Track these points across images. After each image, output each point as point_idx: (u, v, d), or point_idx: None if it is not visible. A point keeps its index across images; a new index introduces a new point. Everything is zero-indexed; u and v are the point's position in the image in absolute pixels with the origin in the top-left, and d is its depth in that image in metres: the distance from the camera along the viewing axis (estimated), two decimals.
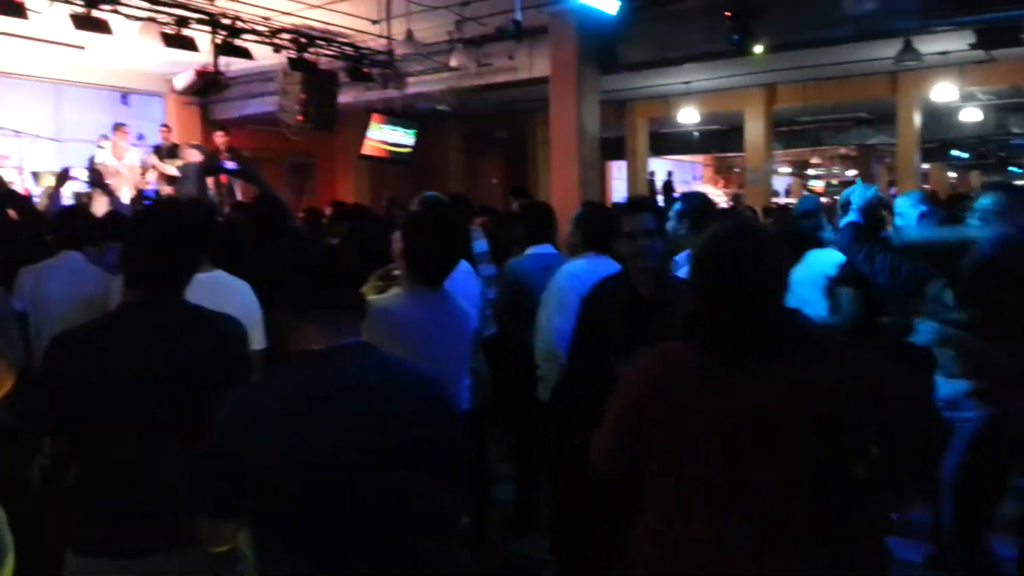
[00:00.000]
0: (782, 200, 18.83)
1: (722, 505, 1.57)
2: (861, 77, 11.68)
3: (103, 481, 1.83)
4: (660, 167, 18.34)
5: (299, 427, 1.47)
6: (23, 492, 2.19)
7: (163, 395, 1.83)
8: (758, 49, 7.60)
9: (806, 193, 18.08)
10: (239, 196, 9.08)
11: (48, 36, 8.70)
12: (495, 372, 3.69)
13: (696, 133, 16.31)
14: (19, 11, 6.55)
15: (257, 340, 2.72)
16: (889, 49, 8.92)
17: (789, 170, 21.46)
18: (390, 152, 11.26)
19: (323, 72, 9.68)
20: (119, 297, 2.40)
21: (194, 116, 12.53)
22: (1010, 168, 20.28)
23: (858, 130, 16.04)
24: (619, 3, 7.24)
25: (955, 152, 18.15)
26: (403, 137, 11.35)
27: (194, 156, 10.07)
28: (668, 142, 16.59)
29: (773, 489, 1.54)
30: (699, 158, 20.85)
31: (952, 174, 20.84)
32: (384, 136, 11.06)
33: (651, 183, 16.53)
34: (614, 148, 14.69)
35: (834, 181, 20.54)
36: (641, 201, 2.69)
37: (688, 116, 13.32)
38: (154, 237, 1.97)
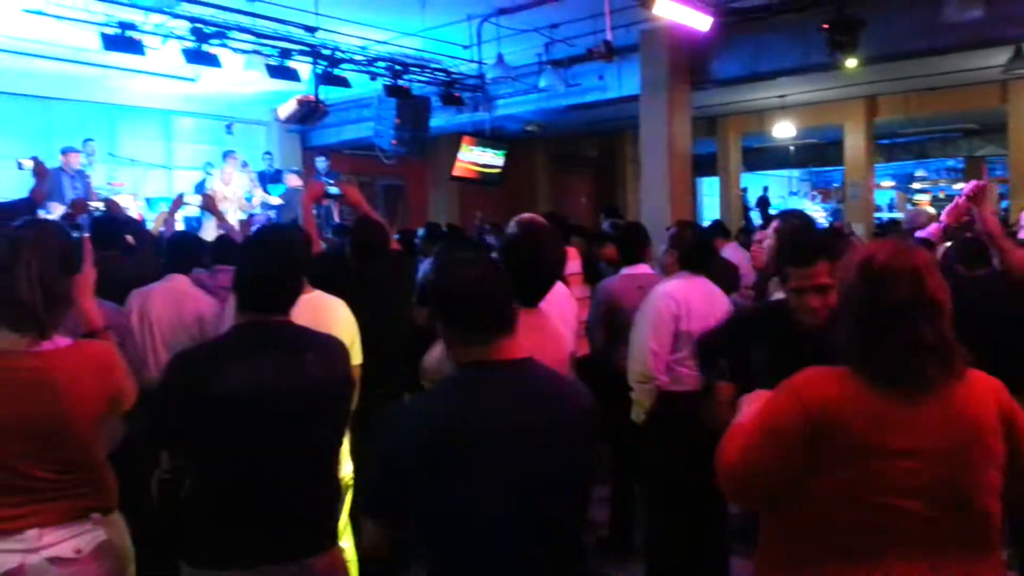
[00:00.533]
0: (885, 215, 18.09)
1: (883, 547, 1.51)
2: (968, 86, 11.13)
3: (219, 495, 1.92)
4: (753, 182, 17.94)
5: (473, 438, 1.54)
6: (144, 505, 2.31)
7: (277, 411, 1.90)
8: (851, 63, 7.35)
9: (910, 207, 17.32)
10: (336, 218, 9.40)
11: (161, 69, 9.25)
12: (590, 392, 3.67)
13: (792, 147, 15.88)
14: (138, 49, 7.01)
15: (356, 356, 2.84)
16: (998, 56, 8.48)
17: (892, 184, 20.59)
18: (480, 173, 11.43)
19: (416, 98, 9.94)
20: (228, 319, 2.52)
21: (294, 143, 13.07)
22: None
23: (966, 141, 15.28)
24: (711, 19, 7.14)
25: None
26: (492, 158, 11.51)
27: (294, 181, 10.49)
28: (762, 157, 16.23)
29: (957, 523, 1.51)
30: (794, 173, 20.28)
31: None
32: (474, 158, 11.24)
33: (744, 199, 16.18)
34: (705, 164, 14.47)
35: (941, 195, 19.57)
36: (816, 244, 2.31)
37: (783, 130, 12.99)
38: (267, 262, 2.06)
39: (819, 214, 18.53)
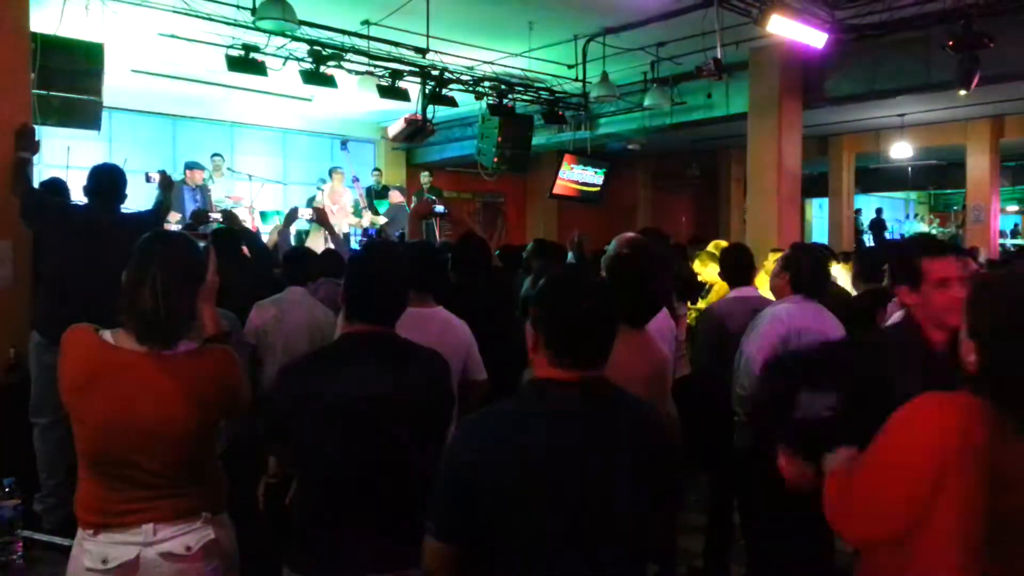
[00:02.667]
0: (1009, 242, 16.97)
1: None
2: None
3: (323, 502, 1.96)
4: (866, 204, 17.21)
5: (535, 458, 1.51)
6: (250, 510, 2.38)
7: (380, 420, 1.93)
8: (964, 92, 6.96)
9: None
10: (438, 236, 9.56)
11: (280, 90, 9.71)
12: (690, 416, 3.58)
13: (909, 168, 15.15)
14: (260, 70, 7.37)
15: (475, 370, 2.86)
16: None
17: (1017, 208, 19.33)
18: (580, 191, 11.42)
19: (520, 116, 10.04)
20: (337, 328, 2.58)
21: (400, 159, 13.45)
22: None
23: None
24: (827, 35, 6.91)
25: None
26: (593, 176, 11.47)
27: (397, 198, 10.76)
28: (877, 178, 15.56)
29: None
30: (912, 195, 19.33)
31: None
32: (575, 176, 11.24)
33: (857, 221, 15.52)
34: (815, 184, 13.98)
35: None
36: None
37: (901, 151, 12.42)
38: (373, 275, 2.10)
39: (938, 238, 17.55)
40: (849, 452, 1.67)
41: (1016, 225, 19.57)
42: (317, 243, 8.14)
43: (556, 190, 11.22)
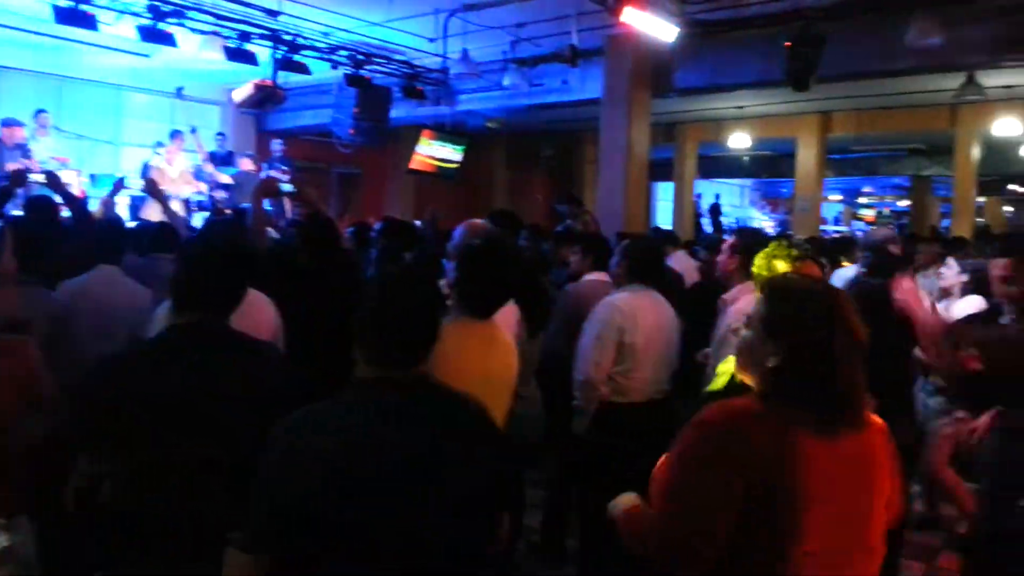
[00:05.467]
0: (831, 228, 18.51)
1: None
2: (919, 108, 11.44)
3: (136, 506, 1.82)
4: (707, 190, 18.18)
5: (339, 461, 1.47)
6: (57, 512, 2.21)
7: (206, 422, 1.82)
8: (806, 85, 7.48)
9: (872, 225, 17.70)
10: (288, 214, 9.23)
11: (113, 43, 8.97)
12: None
13: (746, 158, 16.13)
14: (91, 24, 6.78)
15: None
16: (950, 81, 8.72)
17: (840, 198, 21.08)
18: (437, 167, 11.37)
19: (377, 88, 9.82)
20: (160, 315, 2.43)
21: (249, 125, 12.81)
22: None
23: (913, 160, 15.71)
24: (677, 29, 7.20)
25: (1013, 187, 17.65)
26: (451, 153, 11.45)
27: (247, 165, 10.28)
28: (717, 165, 16.45)
29: None
30: (747, 182, 20.61)
31: (1008, 208, 20.25)
32: (433, 152, 11.17)
33: (697, 206, 16.38)
34: (662, 170, 14.62)
35: (886, 211, 20.12)
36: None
37: (739, 141, 13.19)
38: (209, 260, 1.99)
39: (768, 224, 18.92)
40: None
41: (838, 214, 21.36)
42: (154, 214, 7.64)
43: (414, 165, 11.11)
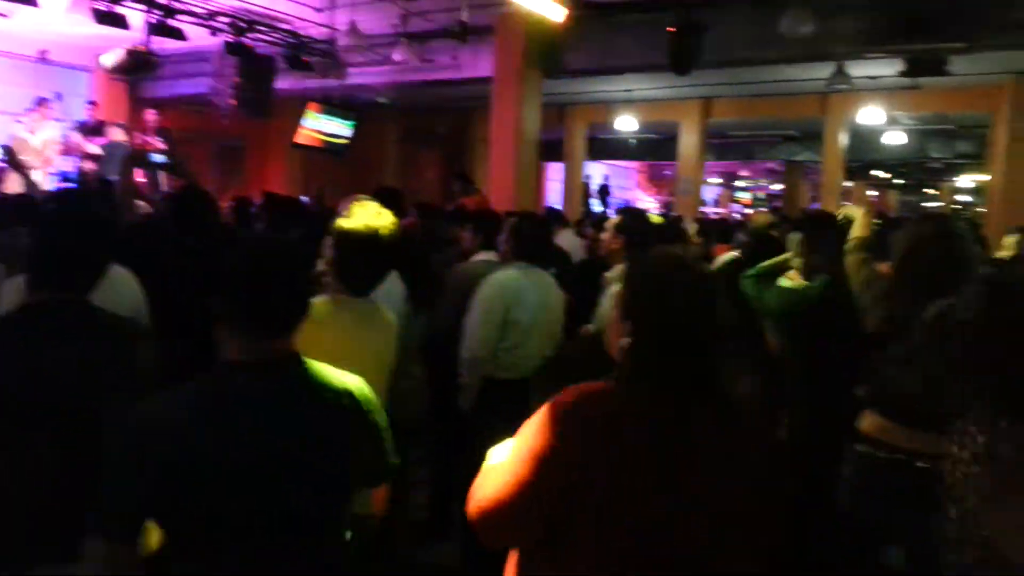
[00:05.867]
0: (711, 210, 19.27)
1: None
2: (793, 96, 12.05)
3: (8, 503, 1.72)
4: (597, 171, 18.55)
5: (196, 443, 1.42)
6: None
7: (67, 407, 1.73)
8: (688, 70, 7.72)
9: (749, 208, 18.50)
10: (164, 187, 8.78)
11: None
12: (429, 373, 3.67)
13: (633, 140, 16.55)
14: None
15: None
16: (821, 71, 9.20)
17: (719, 181, 21.96)
18: (325, 142, 11.09)
19: (260, 58, 9.45)
20: (12, 293, 2.27)
21: (121, 93, 12.07)
22: (925, 189, 21.23)
23: (787, 146, 16.55)
24: (566, 10, 7.27)
25: (877, 172, 18.90)
26: (339, 128, 11.19)
27: (119, 135, 9.69)
28: (605, 147, 16.79)
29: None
30: (635, 164, 21.16)
31: (873, 192, 21.67)
32: (320, 126, 10.88)
33: (587, 186, 16.70)
34: (552, 150, 14.81)
35: (761, 194, 21.13)
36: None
37: (626, 123, 13.50)
38: (66, 233, 1.88)
39: (653, 205, 19.53)
40: None
41: (717, 196, 22.26)
42: (15, 185, 7.11)
43: (300, 139, 10.80)
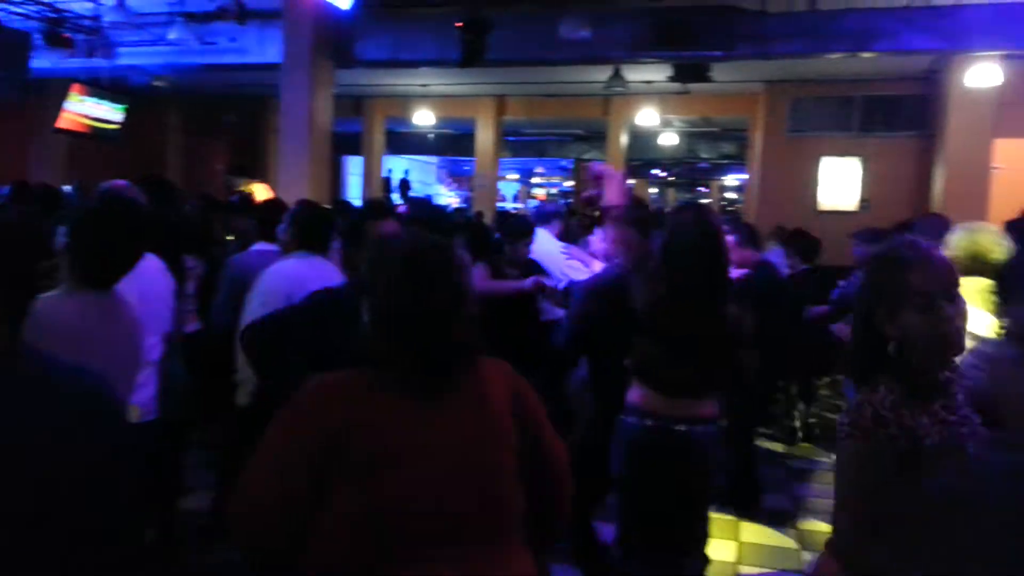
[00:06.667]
0: (509, 204, 19.88)
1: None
2: (578, 98, 12.69)
3: None
4: (398, 165, 18.49)
5: None
6: None
7: None
8: (475, 64, 7.90)
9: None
10: None
11: None
12: (201, 371, 3.49)
13: (431, 135, 16.66)
14: None
15: None
16: (603, 74, 9.78)
17: (517, 177, 22.68)
18: (92, 128, 10.15)
19: (13, 32, 8.46)
20: None
21: None
22: (698, 187, 23.27)
23: (577, 145, 17.44)
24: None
25: (655, 171, 20.42)
26: (109, 112, 10.28)
27: None
28: (405, 141, 16.78)
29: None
30: (433, 159, 21.30)
31: (653, 190, 23.34)
32: (86, 110, 9.93)
33: (387, 181, 16.58)
34: (351, 143, 14.56)
35: (554, 191, 22.14)
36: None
37: (424, 118, 13.56)
38: None
39: (454, 200, 19.79)
40: None
41: (515, 192, 22.97)
42: None
43: (63, 124, 9.79)
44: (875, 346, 1.66)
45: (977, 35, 7.61)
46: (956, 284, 1.64)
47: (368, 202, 8.63)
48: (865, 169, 10.54)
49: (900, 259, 1.65)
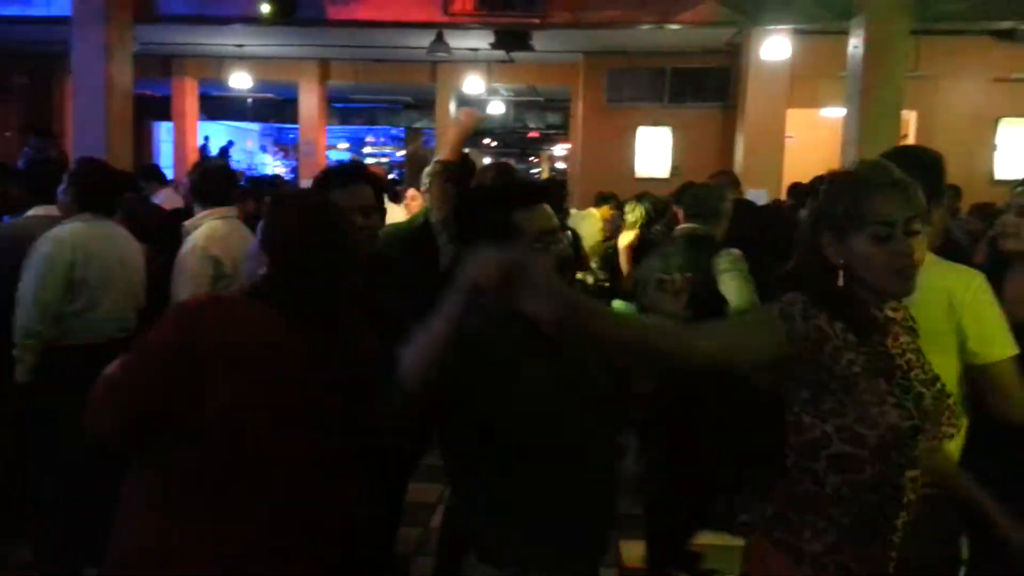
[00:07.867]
0: None
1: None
2: (405, 63, 12.49)
3: None
4: (217, 133, 17.49)
5: None
6: None
7: None
8: (266, 9, 7.62)
9: None
10: None
11: None
12: None
13: (251, 100, 15.86)
14: None
15: None
16: (426, 40, 9.66)
17: (347, 146, 22.12)
18: None
19: None
20: None
21: None
22: (530, 157, 23.65)
23: (407, 113, 17.20)
24: None
25: (487, 140, 20.58)
26: None
27: None
28: (222, 107, 15.88)
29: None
30: (255, 126, 20.31)
31: (488, 159, 23.48)
32: None
33: (205, 149, 15.65)
34: (162, 108, 13.59)
35: (385, 159, 21.78)
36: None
37: (241, 81, 12.83)
38: None
39: (280, 169, 19.02)
40: None
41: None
42: None
43: None
44: (821, 277, 1.50)
45: (768, 10, 8.21)
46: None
47: (143, 167, 8.07)
48: (675, 138, 11.17)
49: (864, 182, 1.49)
